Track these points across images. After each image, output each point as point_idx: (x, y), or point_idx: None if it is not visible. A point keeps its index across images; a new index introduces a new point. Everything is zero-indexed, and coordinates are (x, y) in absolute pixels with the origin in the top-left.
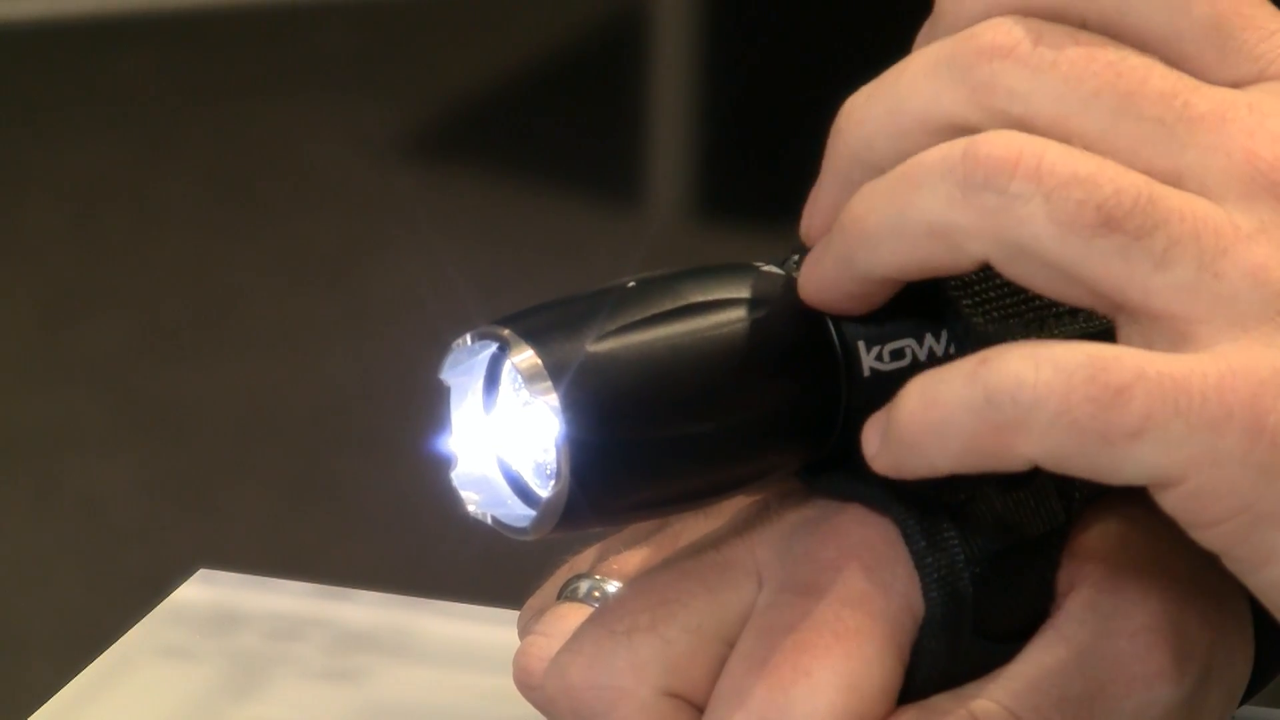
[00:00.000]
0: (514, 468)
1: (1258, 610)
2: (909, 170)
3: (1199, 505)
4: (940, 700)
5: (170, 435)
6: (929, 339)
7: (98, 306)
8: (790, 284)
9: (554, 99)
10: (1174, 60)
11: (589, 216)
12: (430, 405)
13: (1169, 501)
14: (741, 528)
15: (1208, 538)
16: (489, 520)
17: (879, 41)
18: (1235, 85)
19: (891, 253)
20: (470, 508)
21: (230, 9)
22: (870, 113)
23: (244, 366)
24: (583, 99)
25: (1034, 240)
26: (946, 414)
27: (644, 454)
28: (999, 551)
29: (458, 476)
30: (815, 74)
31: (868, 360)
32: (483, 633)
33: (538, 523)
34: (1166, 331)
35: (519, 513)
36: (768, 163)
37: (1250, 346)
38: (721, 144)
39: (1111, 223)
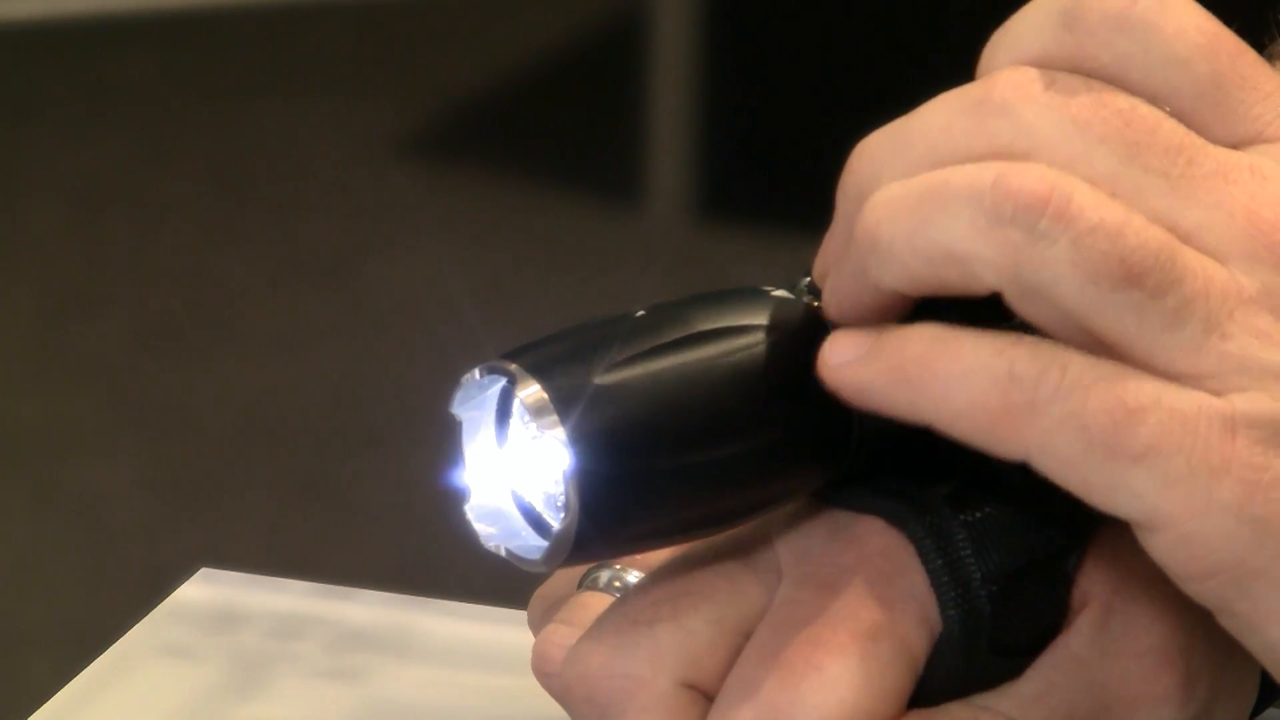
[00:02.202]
0: (527, 500)
1: None
2: (934, 186)
3: (1189, 554)
4: (951, 708)
5: (170, 435)
6: None
7: (98, 306)
8: (799, 307)
9: (554, 99)
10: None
11: (589, 216)
12: (430, 405)
13: (1159, 547)
14: (763, 526)
15: (1200, 591)
16: (503, 553)
17: (878, 42)
18: (1233, 145)
19: (904, 267)
20: (486, 542)
21: (230, 9)
22: (880, 147)
23: (244, 366)
24: (583, 99)
25: (1054, 285)
26: (964, 369)
27: (654, 485)
28: (1015, 570)
29: (473, 510)
30: (815, 74)
31: None
32: (483, 632)
33: (550, 555)
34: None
35: (533, 544)
36: (768, 163)
37: (1255, 399)
38: (721, 144)
39: (1132, 278)
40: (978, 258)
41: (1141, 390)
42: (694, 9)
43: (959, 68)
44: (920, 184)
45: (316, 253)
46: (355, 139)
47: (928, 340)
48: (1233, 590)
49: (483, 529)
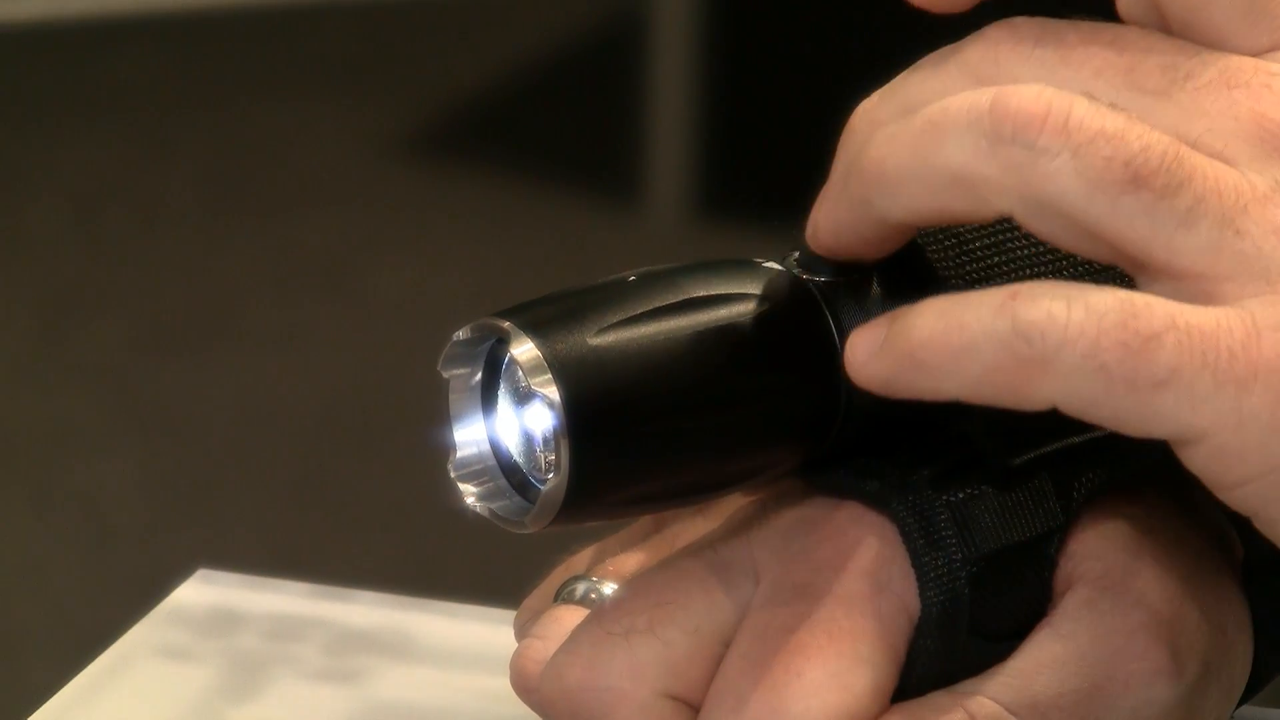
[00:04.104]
0: (513, 460)
1: (1257, 610)
2: (934, 116)
3: (1224, 464)
4: (936, 697)
5: (170, 435)
6: None
7: (98, 306)
8: (791, 280)
9: (554, 99)
10: (1203, 31)
11: (589, 216)
12: (430, 405)
13: (1195, 459)
14: (739, 528)
15: (1235, 498)
16: (486, 513)
17: (878, 40)
18: (1261, 53)
19: (911, 198)
20: (468, 500)
21: (230, 9)
22: (880, 110)
23: (244, 366)
24: (583, 99)
25: (1061, 197)
26: (970, 339)
27: (643, 448)
28: (997, 552)
29: (456, 469)
30: (815, 73)
31: None
32: (483, 633)
33: (536, 515)
34: (1189, 290)
35: (517, 505)
36: (768, 162)
37: (1276, 303)
38: (721, 144)
39: (1139, 180)
40: (984, 180)
41: (1153, 314)
42: (694, 9)
43: None
44: (922, 116)
45: (316, 253)
46: (355, 139)
47: (932, 319)
48: (1269, 494)
49: (466, 489)
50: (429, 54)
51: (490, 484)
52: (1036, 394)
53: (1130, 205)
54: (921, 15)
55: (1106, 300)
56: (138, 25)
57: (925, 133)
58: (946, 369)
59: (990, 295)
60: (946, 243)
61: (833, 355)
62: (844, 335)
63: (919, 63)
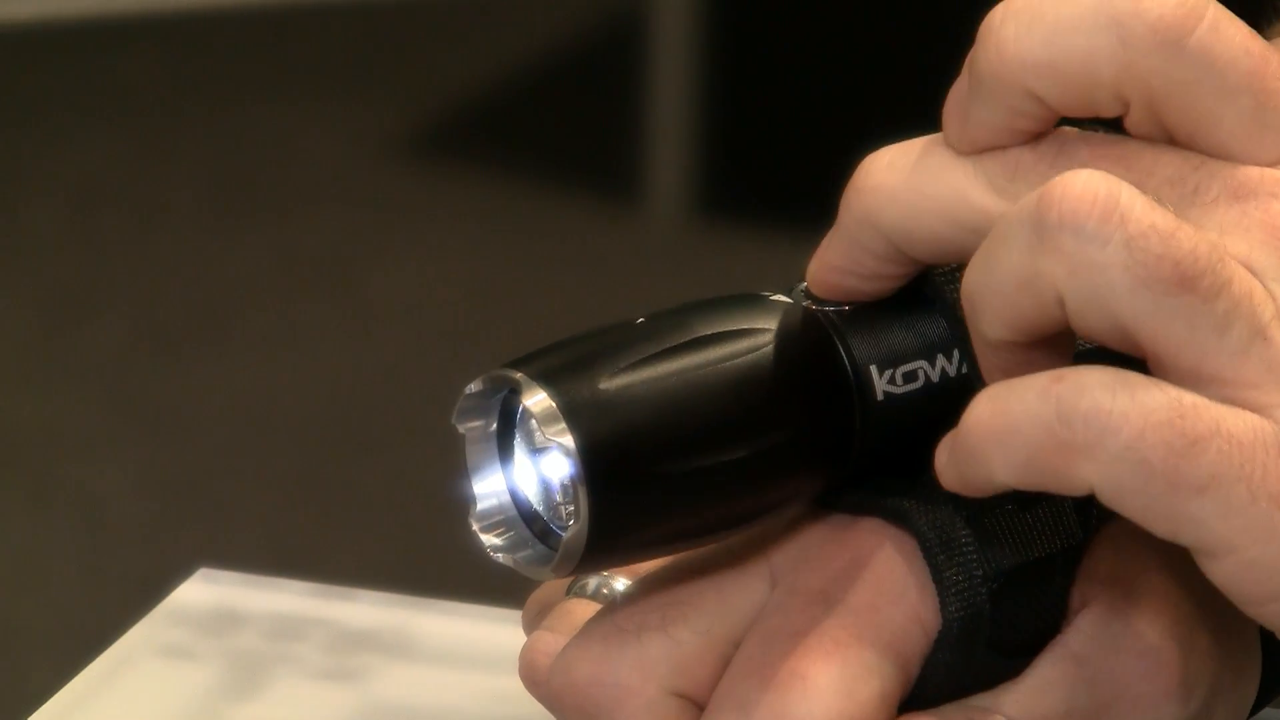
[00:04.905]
0: (533, 509)
1: (1266, 632)
2: (995, 231)
3: (1253, 579)
4: (947, 710)
5: (170, 435)
6: (940, 359)
7: (97, 307)
8: (797, 311)
9: (554, 99)
10: (1210, 145)
11: (589, 216)
12: (429, 405)
13: (1220, 573)
14: (757, 533)
15: (1264, 614)
16: (511, 564)
17: (877, 41)
18: (1273, 164)
19: (996, 315)
20: (492, 553)
21: (230, 9)
22: (891, 192)
23: (244, 366)
24: (583, 99)
25: (1107, 288)
26: (1014, 424)
27: (660, 490)
28: (1016, 568)
29: (478, 521)
30: (815, 74)
31: (880, 384)
32: (483, 633)
33: (559, 564)
34: (1211, 394)
35: (540, 554)
36: (768, 163)
37: None
38: (721, 144)
39: (1186, 283)
40: (1038, 274)
41: (1200, 418)
42: (694, 9)
43: (958, 68)
44: (990, 237)
45: (316, 253)
46: (355, 139)
47: (982, 405)
48: None
49: (489, 540)
50: (429, 54)
51: (512, 534)
52: (1077, 478)
53: (1173, 307)
54: (922, 19)
55: (1154, 395)
56: (138, 25)
57: (989, 246)
58: (993, 453)
59: (1036, 379)
60: (952, 264)
61: (846, 383)
62: (856, 362)
63: (936, 149)
